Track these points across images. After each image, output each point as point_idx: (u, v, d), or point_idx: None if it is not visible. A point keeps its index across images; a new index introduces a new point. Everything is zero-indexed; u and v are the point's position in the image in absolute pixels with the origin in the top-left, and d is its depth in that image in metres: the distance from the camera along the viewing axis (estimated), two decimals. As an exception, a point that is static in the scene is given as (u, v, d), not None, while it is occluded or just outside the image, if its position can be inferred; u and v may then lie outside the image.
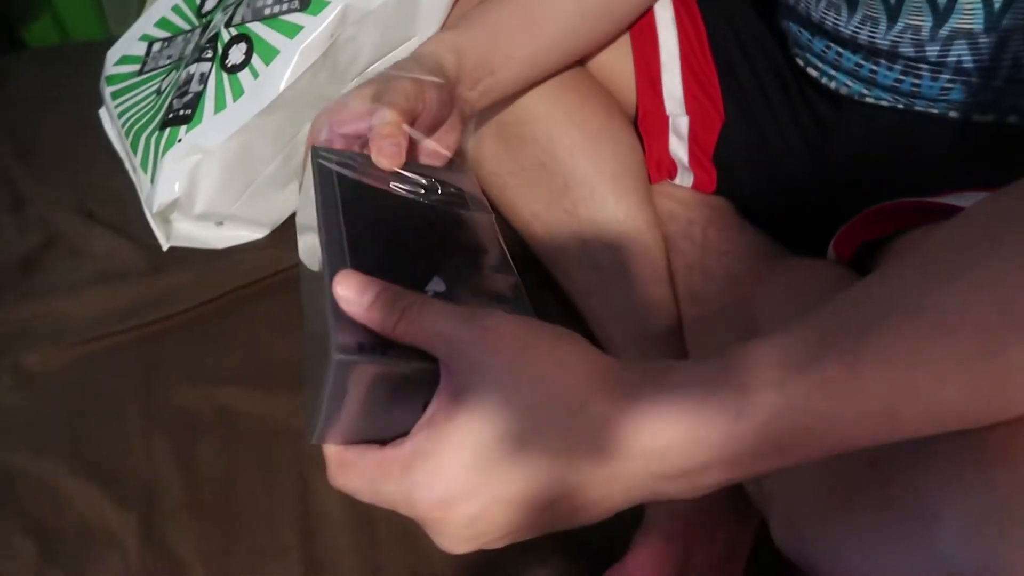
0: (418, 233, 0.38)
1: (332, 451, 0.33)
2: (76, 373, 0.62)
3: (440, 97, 0.46)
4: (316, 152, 0.40)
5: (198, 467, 0.56)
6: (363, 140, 0.43)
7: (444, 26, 0.53)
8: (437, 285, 0.35)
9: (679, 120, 0.66)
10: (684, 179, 0.67)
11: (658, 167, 0.66)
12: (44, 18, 1.09)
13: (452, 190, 0.42)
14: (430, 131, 0.47)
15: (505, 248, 0.39)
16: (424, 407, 0.32)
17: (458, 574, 0.51)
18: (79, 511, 0.54)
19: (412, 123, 0.43)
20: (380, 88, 0.44)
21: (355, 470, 0.32)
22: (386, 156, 0.40)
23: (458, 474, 0.29)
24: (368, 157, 0.41)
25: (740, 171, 0.66)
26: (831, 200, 0.60)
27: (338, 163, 0.40)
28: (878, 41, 0.49)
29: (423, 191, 0.41)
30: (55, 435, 0.58)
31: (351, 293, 0.31)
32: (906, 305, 0.29)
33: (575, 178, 0.61)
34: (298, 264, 0.41)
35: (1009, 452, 0.29)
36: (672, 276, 0.61)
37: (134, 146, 0.71)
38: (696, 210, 0.65)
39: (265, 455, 0.57)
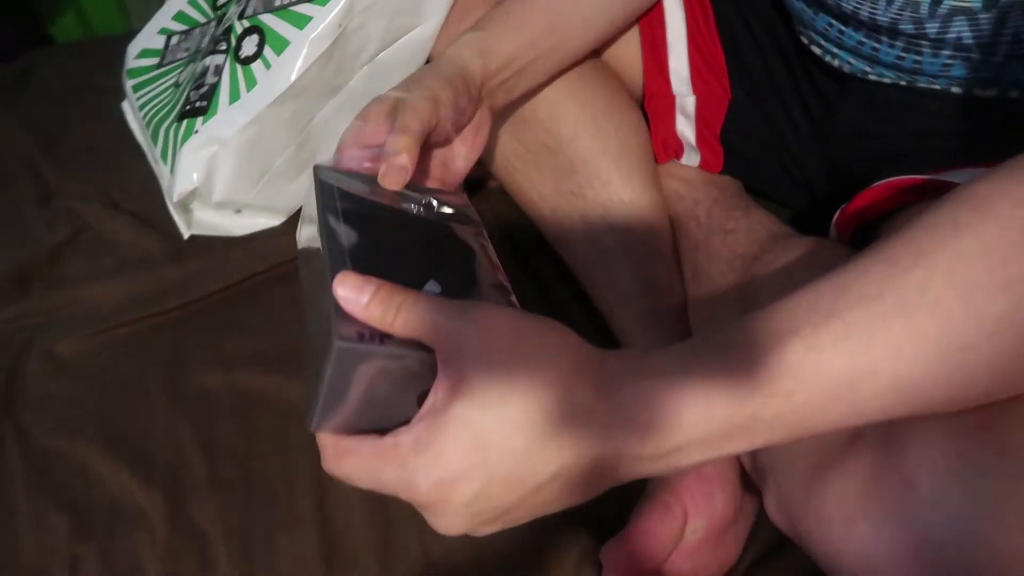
0: (415, 243, 0.40)
1: (328, 439, 0.35)
2: (103, 359, 0.64)
3: (458, 106, 0.48)
4: (317, 169, 0.42)
5: (219, 447, 0.59)
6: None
7: (472, 26, 0.54)
8: (433, 287, 0.37)
9: (686, 100, 0.66)
10: (690, 159, 0.67)
11: (664, 147, 0.67)
12: (69, 13, 1.12)
13: (449, 209, 0.44)
14: (452, 135, 0.49)
15: (500, 266, 0.41)
16: (419, 399, 0.33)
17: (467, 547, 0.52)
18: (109, 489, 0.57)
19: (426, 138, 0.45)
20: (398, 104, 0.45)
21: (353, 458, 0.34)
22: (390, 180, 0.42)
23: (458, 457, 0.31)
24: (372, 178, 0.43)
25: (747, 150, 0.66)
26: (836, 178, 0.60)
27: (339, 180, 0.42)
28: (878, 18, 0.49)
29: (422, 208, 0.43)
30: (86, 418, 0.61)
31: (350, 292, 0.33)
32: (868, 291, 0.30)
33: (579, 159, 0.62)
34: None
35: (983, 424, 0.30)
36: (678, 256, 0.62)
37: (154, 137, 0.73)
38: (702, 190, 0.65)
39: (282, 435, 0.59)
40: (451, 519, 0.33)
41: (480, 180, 0.74)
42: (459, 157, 0.51)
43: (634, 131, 0.64)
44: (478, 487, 0.31)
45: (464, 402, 0.31)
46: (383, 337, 0.33)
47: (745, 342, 0.31)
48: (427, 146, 0.46)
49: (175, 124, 0.70)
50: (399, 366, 0.34)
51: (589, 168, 0.62)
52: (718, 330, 0.32)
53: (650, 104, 0.67)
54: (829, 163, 0.61)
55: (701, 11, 0.66)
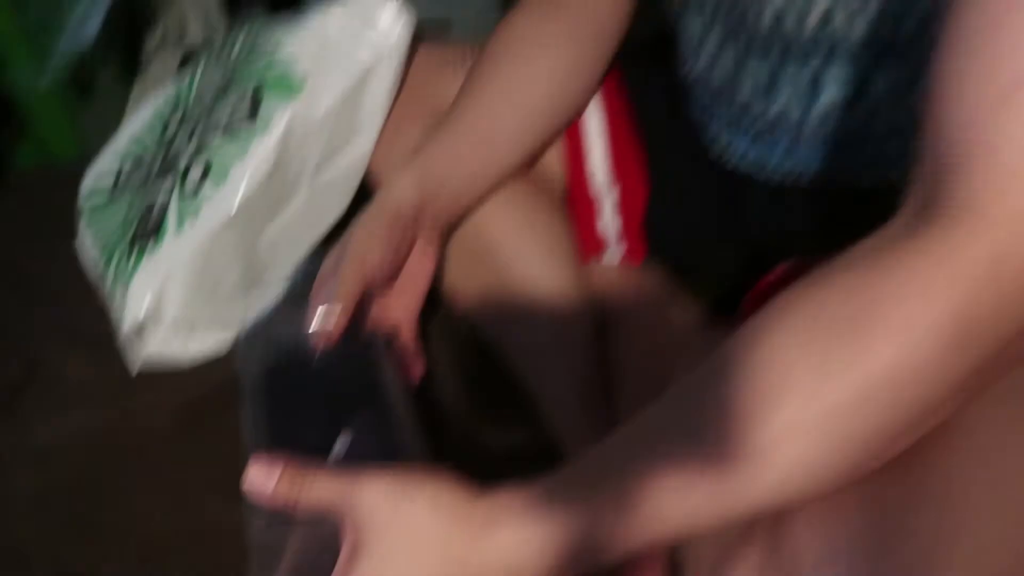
0: (333, 393, 0.47)
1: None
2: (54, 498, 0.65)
3: (392, 246, 0.54)
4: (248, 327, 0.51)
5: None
6: None
7: (408, 163, 0.60)
8: (344, 443, 0.44)
9: (605, 197, 0.69)
10: (613, 255, 0.70)
11: (587, 246, 0.70)
12: (26, 140, 1.15)
13: (369, 341, 0.51)
14: (397, 268, 0.55)
15: (407, 398, 0.48)
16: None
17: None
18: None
19: (367, 286, 0.53)
20: (339, 262, 0.54)
21: None
22: (318, 338, 0.51)
23: None
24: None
25: (667, 239, 0.69)
26: (747, 264, 0.63)
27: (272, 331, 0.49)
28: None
29: (353, 354, 0.50)
30: (36, 556, 0.61)
31: (259, 477, 0.40)
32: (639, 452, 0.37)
33: (506, 256, 0.65)
34: None
35: (867, 502, 0.34)
36: (606, 353, 0.65)
37: (106, 267, 0.76)
38: (625, 286, 0.68)
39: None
40: None
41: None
42: (405, 292, 0.57)
43: (559, 231, 0.68)
44: None
45: (363, 563, 0.37)
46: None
47: (591, 482, 0.37)
48: (373, 289, 0.53)
49: (125, 255, 0.73)
50: (316, 538, 0.39)
51: (517, 267, 0.65)
52: (577, 462, 0.39)
53: (571, 203, 0.70)
54: (738, 249, 0.65)
55: (620, 104, 0.69)
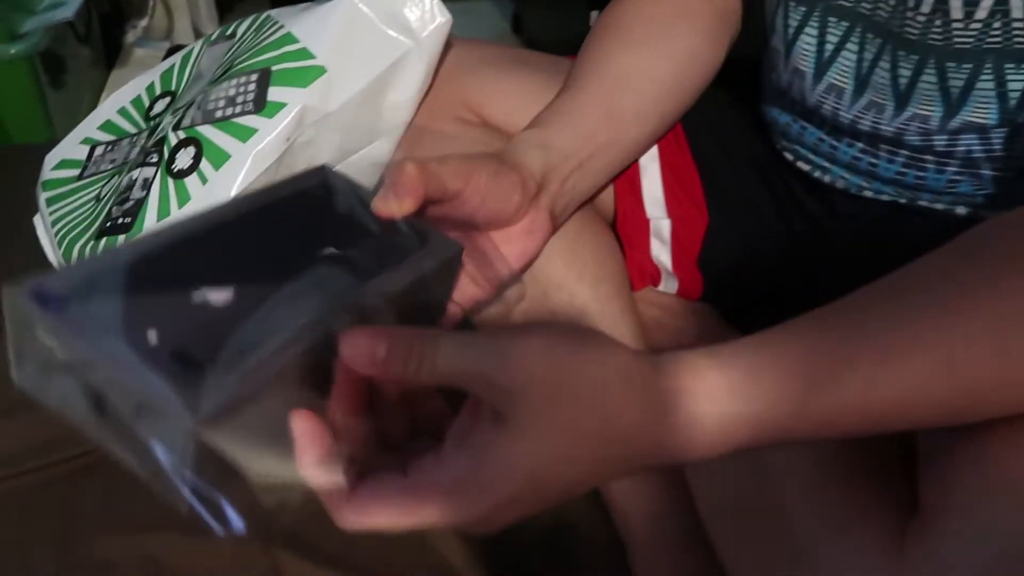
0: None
1: (337, 495, 0.32)
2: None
3: (499, 186, 0.44)
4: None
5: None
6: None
7: (528, 125, 0.52)
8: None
9: (661, 223, 0.62)
10: (668, 285, 0.63)
11: (640, 273, 0.62)
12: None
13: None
14: (488, 219, 0.44)
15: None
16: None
17: None
18: None
19: (443, 199, 0.41)
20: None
21: (381, 506, 0.32)
22: (383, 206, 0.38)
23: (510, 490, 0.31)
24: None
25: (727, 276, 0.62)
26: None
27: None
28: (882, 129, 0.46)
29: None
30: None
31: (361, 352, 0.31)
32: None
33: (552, 284, 0.56)
34: None
35: None
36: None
37: (66, 256, 0.65)
38: (683, 318, 0.60)
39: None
40: (492, 529, 0.32)
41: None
42: (504, 256, 0.45)
43: (609, 255, 0.60)
44: (527, 509, 0.32)
45: (511, 437, 0.31)
46: None
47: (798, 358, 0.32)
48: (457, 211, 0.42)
49: (92, 242, 0.62)
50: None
51: (563, 295, 0.56)
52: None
53: (623, 227, 0.63)
54: (815, 291, 0.58)
55: (673, 133, 0.63)
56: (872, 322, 0.33)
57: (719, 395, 0.32)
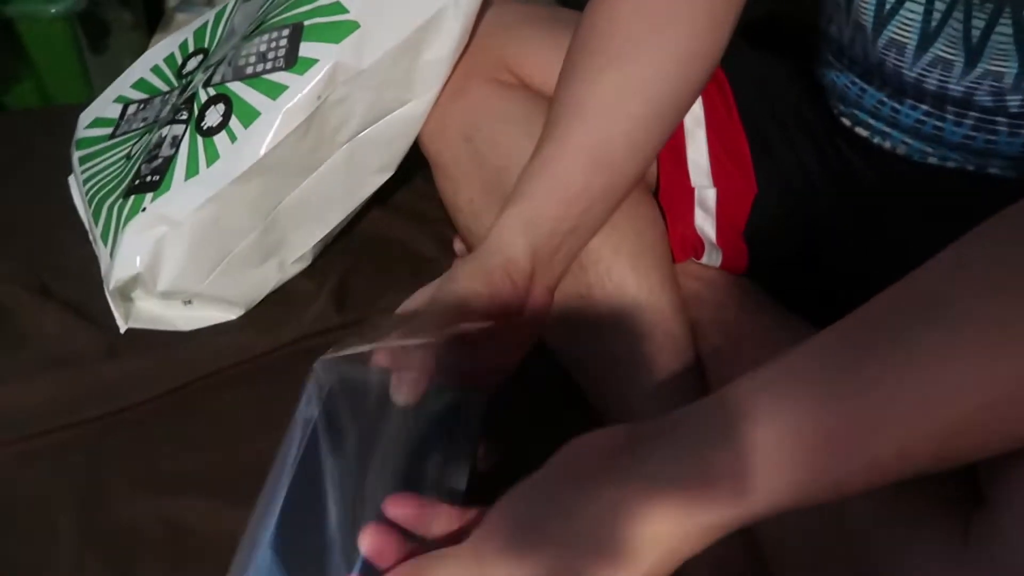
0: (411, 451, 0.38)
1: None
2: (6, 478, 0.53)
3: (496, 305, 0.42)
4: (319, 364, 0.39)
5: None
6: None
7: (511, 193, 0.46)
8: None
9: (706, 192, 0.59)
10: (712, 258, 0.59)
11: (682, 245, 0.59)
12: (26, 81, 1.04)
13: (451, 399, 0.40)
14: (495, 328, 0.42)
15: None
16: None
17: None
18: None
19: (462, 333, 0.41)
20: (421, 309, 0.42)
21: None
22: (400, 395, 0.38)
23: None
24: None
25: (774, 250, 0.58)
26: (879, 285, 0.52)
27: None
28: (949, 88, 0.43)
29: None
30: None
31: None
32: None
33: (589, 257, 0.53)
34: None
35: None
36: (700, 368, 0.53)
37: (96, 215, 0.64)
38: (726, 293, 0.57)
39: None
40: None
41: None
42: (506, 350, 0.44)
43: (650, 226, 0.57)
44: None
45: None
46: None
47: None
48: (465, 342, 0.40)
49: (120, 200, 0.61)
50: None
51: (601, 267, 0.53)
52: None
53: (665, 197, 0.59)
54: (872, 265, 0.54)
55: (721, 98, 0.60)
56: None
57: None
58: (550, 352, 0.56)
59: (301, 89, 0.58)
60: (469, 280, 0.41)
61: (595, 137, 0.46)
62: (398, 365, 0.39)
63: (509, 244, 0.43)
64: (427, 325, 0.40)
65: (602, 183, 0.46)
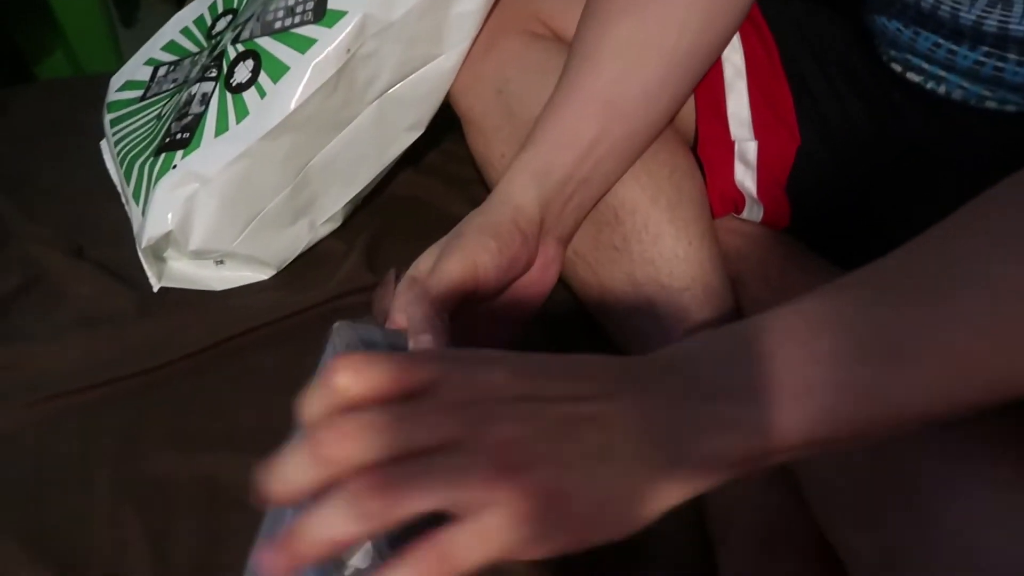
0: None
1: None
2: (41, 434, 0.53)
3: (506, 260, 0.41)
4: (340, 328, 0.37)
5: (173, 552, 0.47)
6: None
7: (523, 143, 0.45)
8: None
9: (746, 145, 0.57)
10: (753, 212, 0.57)
11: (722, 199, 0.57)
12: (57, 52, 1.04)
13: None
14: (502, 287, 0.42)
15: None
16: None
17: None
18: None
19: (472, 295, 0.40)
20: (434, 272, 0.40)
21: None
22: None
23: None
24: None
25: (817, 204, 0.56)
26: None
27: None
28: (1011, 28, 0.40)
29: None
30: (10, 508, 0.49)
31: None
32: None
33: (625, 208, 0.52)
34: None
35: None
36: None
37: (127, 175, 0.64)
38: (768, 248, 0.55)
39: (253, 534, 0.47)
40: None
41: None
42: (518, 305, 0.43)
43: (688, 177, 0.55)
44: None
45: None
46: None
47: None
48: (476, 300, 0.40)
49: (151, 159, 0.61)
50: None
51: (636, 218, 0.52)
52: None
53: (704, 150, 0.58)
54: (916, 227, 0.52)
55: (763, 46, 0.57)
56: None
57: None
58: (578, 305, 0.55)
59: (330, 42, 0.57)
60: (478, 232, 0.40)
61: (607, 85, 0.45)
62: (414, 328, 0.37)
63: (518, 194, 0.42)
64: (436, 285, 0.38)
65: (615, 133, 0.45)
